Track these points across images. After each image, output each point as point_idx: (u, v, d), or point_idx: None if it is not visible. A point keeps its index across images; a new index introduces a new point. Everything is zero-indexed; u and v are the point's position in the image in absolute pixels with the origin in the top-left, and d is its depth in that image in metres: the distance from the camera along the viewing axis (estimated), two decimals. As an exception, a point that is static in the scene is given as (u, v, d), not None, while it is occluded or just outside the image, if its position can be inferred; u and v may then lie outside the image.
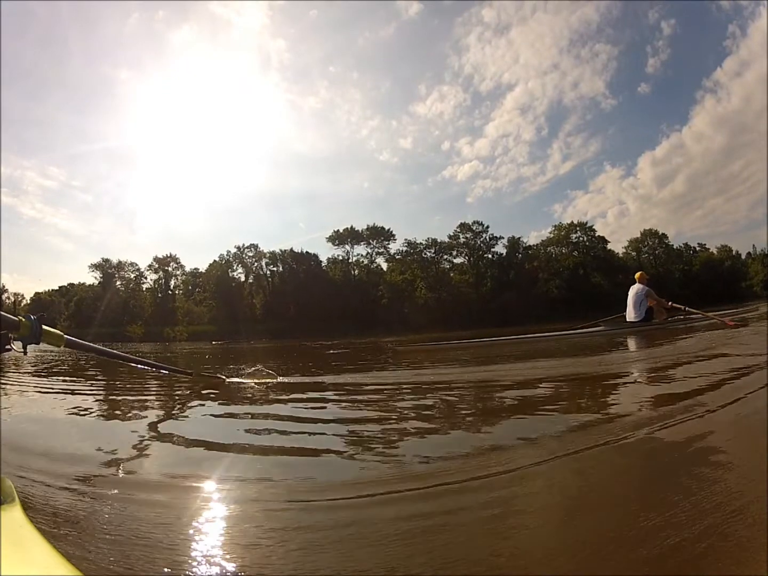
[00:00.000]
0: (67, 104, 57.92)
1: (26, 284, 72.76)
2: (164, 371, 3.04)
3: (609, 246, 36.61)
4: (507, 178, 48.28)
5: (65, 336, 1.84)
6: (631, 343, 5.03)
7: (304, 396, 2.52)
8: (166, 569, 0.75)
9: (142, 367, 2.75)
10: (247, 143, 66.90)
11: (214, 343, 19.15)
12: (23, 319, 1.57)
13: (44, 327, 1.67)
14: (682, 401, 1.75)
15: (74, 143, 56.89)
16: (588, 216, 43.69)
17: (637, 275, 6.94)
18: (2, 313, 1.49)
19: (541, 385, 2.49)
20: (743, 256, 37.29)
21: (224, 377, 3.00)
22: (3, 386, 3.26)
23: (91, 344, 2.29)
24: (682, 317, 6.60)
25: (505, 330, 8.02)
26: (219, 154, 69.00)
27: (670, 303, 6.60)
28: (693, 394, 1.89)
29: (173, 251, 41.19)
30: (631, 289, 6.75)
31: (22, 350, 1.56)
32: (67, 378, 4.16)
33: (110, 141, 54.54)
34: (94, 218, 58.35)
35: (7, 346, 1.50)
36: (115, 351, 2.61)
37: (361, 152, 54.98)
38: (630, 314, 6.64)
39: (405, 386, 2.69)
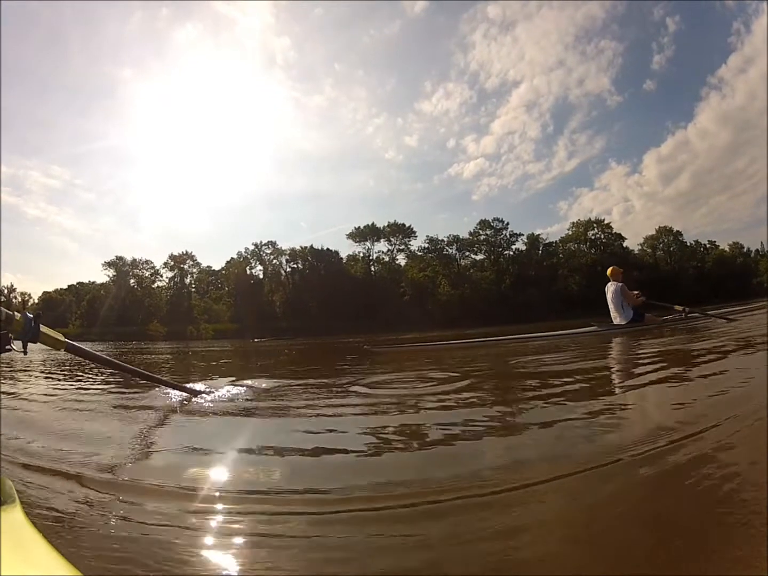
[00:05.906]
0: (69, 104, 57.50)
1: (31, 284, 71.59)
2: (168, 387, 2.44)
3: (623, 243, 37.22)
4: (512, 175, 48.90)
5: (65, 340, 1.75)
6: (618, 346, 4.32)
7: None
8: (166, 569, 0.76)
9: (144, 381, 2.44)
10: (251, 142, 66.76)
11: (256, 340, 19.02)
12: (18, 316, 1.53)
13: (43, 327, 1.61)
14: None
15: (77, 142, 56.64)
16: (593, 213, 43.44)
17: (609, 271, 5.73)
18: None
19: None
20: (752, 254, 38.18)
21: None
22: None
23: (92, 351, 2.15)
24: (681, 317, 5.85)
25: (525, 327, 7.93)
26: (223, 153, 68.76)
27: (642, 299, 5.48)
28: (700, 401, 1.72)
29: (181, 250, 40.88)
30: (607, 289, 5.59)
31: (22, 350, 1.53)
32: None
33: (113, 140, 54.52)
34: (98, 217, 57.95)
35: (7, 346, 1.48)
36: (117, 361, 2.34)
37: (367, 150, 55.28)
38: (615, 318, 5.51)
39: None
